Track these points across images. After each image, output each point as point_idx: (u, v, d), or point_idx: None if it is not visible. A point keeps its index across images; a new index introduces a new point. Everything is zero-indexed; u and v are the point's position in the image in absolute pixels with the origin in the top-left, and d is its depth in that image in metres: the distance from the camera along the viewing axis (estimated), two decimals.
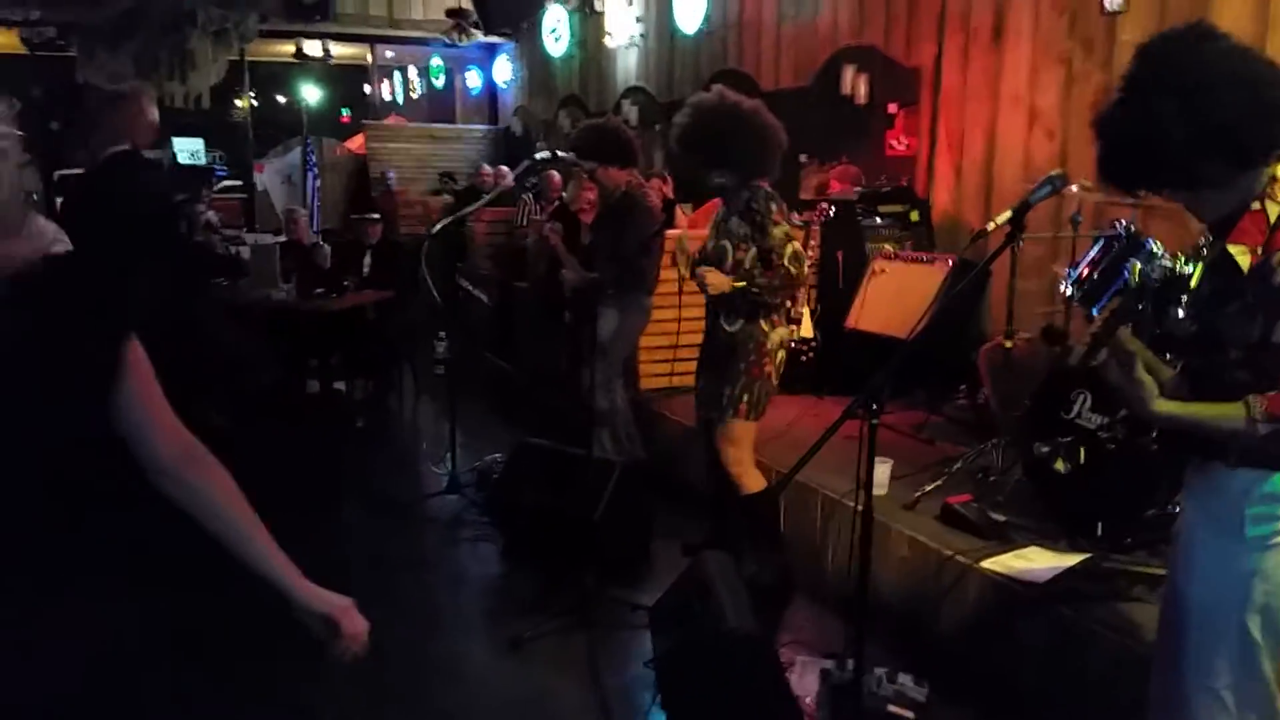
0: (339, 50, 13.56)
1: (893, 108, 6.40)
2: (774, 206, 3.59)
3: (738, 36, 8.13)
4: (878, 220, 5.87)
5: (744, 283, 3.53)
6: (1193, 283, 2.06)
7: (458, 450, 5.23)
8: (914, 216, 5.96)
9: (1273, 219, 1.83)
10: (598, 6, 10.00)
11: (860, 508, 2.40)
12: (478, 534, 4.65)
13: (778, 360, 3.72)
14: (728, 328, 3.69)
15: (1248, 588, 1.91)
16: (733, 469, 3.73)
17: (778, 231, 3.54)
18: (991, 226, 2.27)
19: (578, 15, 10.57)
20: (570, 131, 10.47)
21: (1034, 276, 5.04)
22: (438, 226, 5.80)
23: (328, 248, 7.12)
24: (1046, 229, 4.93)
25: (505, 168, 9.56)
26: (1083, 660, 2.91)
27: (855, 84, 6.59)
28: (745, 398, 3.64)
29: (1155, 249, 3.42)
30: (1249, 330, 1.81)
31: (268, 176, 13.19)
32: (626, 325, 4.83)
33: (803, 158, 6.96)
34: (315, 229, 10.29)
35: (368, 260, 6.99)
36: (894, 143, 6.45)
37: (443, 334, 6.45)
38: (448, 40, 12.06)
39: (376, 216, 7.34)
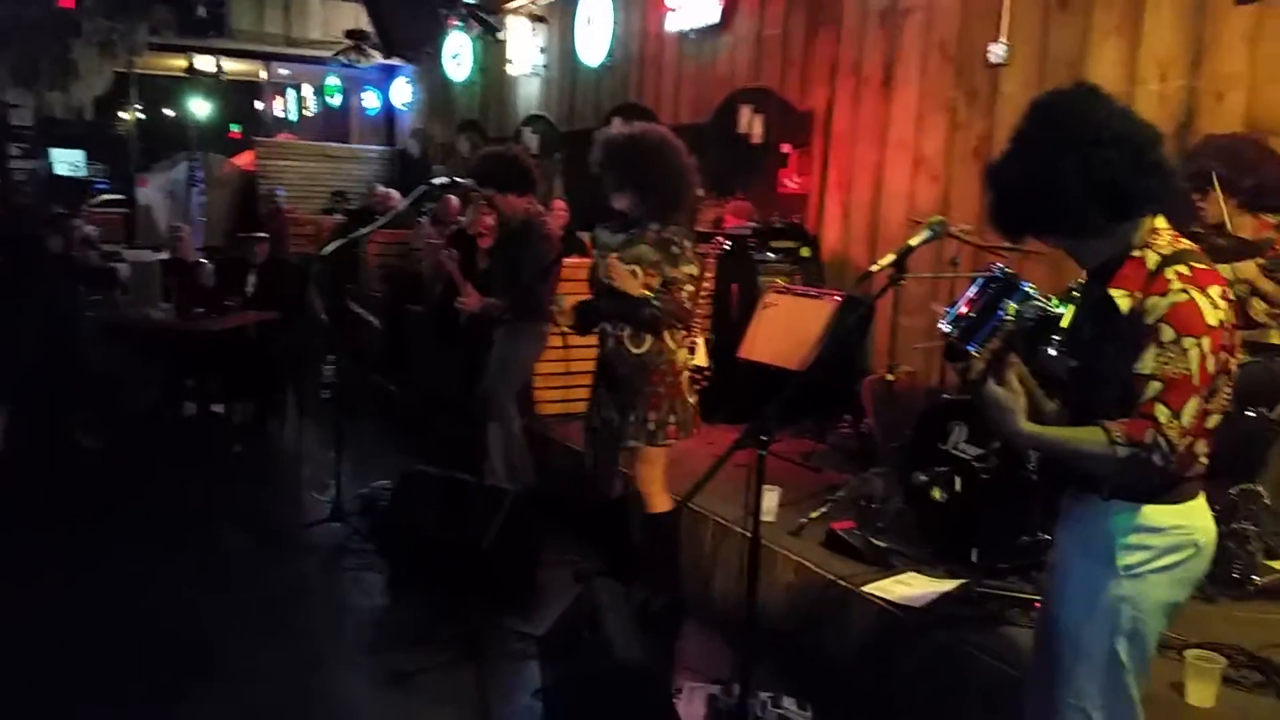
0: (232, 66, 13.25)
1: (786, 148, 6.60)
2: (689, 244, 3.63)
3: (639, 71, 8.26)
4: (770, 255, 6.03)
5: (650, 294, 3.53)
6: (1064, 322, 2.18)
7: (342, 477, 5.10)
8: (804, 252, 6.14)
9: (1151, 267, 1.94)
10: (500, 35, 10.02)
11: (749, 534, 2.43)
12: (362, 564, 4.52)
13: (687, 378, 3.76)
14: (635, 349, 3.65)
15: (1117, 614, 2.01)
16: (646, 488, 3.72)
17: (686, 269, 3.57)
18: (875, 268, 2.37)
19: (480, 42, 10.57)
20: (469, 156, 10.45)
21: (915, 313, 5.23)
22: (330, 248, 5.68)
23: (211, 266, 6.90)
24: (928, 269, 5.12)
25: (394, 191, 9.44)
26: (960, 683, 3.01)
27: (751, 123, 6.76)
28: (673, 420, 3.65)
29: (1029, 290, 3.59)
30: (1123, 367, 1.92)
31: (150, 191, 12.74)
32: (522, 352, 4.81)
33: (700, 192, 7.04)
34: (199, 246, 9.97)
35: (252, 280, 6.78)
36: (787, 181, 6.64)
37: (330, 357, 6.30)
38: (345, 60, 11.89)
39: (263, 235, 7.13)
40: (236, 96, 17.70)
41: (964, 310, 3.74)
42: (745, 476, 3.02)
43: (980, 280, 3.79)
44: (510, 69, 10.06)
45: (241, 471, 6.07)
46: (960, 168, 5.36)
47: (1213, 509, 3.41)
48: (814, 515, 3.99)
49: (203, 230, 12.10)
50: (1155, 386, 1.86)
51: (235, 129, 19.47)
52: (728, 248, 5.74)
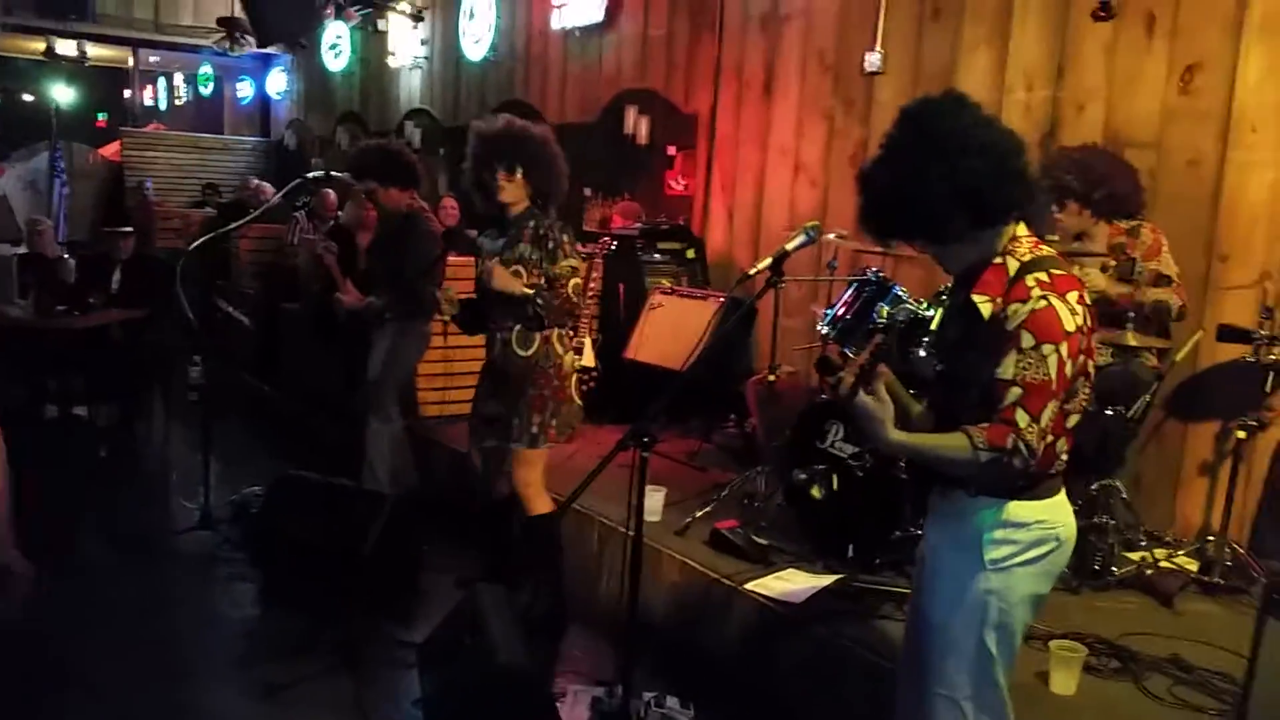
0: (97, 51, 12.58)
1: (672, 150, 6.65)
2: (566, 238, 3.60)
3: (524, 69, 8.19)
4: (657, 256, 6.06)
5: (533, 291, 3.49)
6: (933, 325, 2.24)
7: (212, 482, 4.90)
8: (690, 254, 6.19)
9: (1012, 273, 2.01)
10: (381, 25, 9.80)
11: (631, 533, 2.43)
12: (233, 573, 4.35)
13: (575, 380, 3.74)
14: (522, 351, 3.62)
15: (985, 606, 2.07)
16: (524, 490, 3.68)
17: (565, 264, 3.55)
18: (753, 271, 2.40)
19: (360, 32, 10.32)
20: (348, 149, 10.18)
21: (796, 315, 5.34)
22: (197, 242, 5.45)
23: (73, 261, 6.56)
24: (807, 272, 5.23)
25: (268, 184, 9.14)
26: (837, 676, 3.08)
27: (637, 125, 6.79)
28: (554, 422, 3.61)
29: (901, 294, 3.71)
30: (984, 372, 1.99)
31: (8, 182, 12.00)
32: (404, 351, 4.71)
33: (587, 192, 7.08)
34: (61, 240, 9.46)
35: (117, 276, 6.47)
36: (673, 183, 6.69)
37: (197, 357, 6.06)
38: (218, 49, 11.45)
39: (129, 229, 6.81)
40: (103, 83, 16.78)
41: (841, 313, 3.88)
42: (631, 477, 3.03)
43: (855, 283, 3.93)
44: (391, 61, 9.85)
45: (106, 477, 5.78)
46: (838, 174, 5.49)
47: (1074, 504, 3.60)
48: (699, 514, 4.02)
49: (65, 224, 11.49)
50: (1015, 392, 1.92)
51: (101, 118, 18.47)
52: (614, 248, 5.75)
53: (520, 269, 3.54)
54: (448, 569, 4.26)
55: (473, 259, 3.87)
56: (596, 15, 7.16)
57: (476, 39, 8.60)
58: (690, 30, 6.51)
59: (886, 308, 3.73)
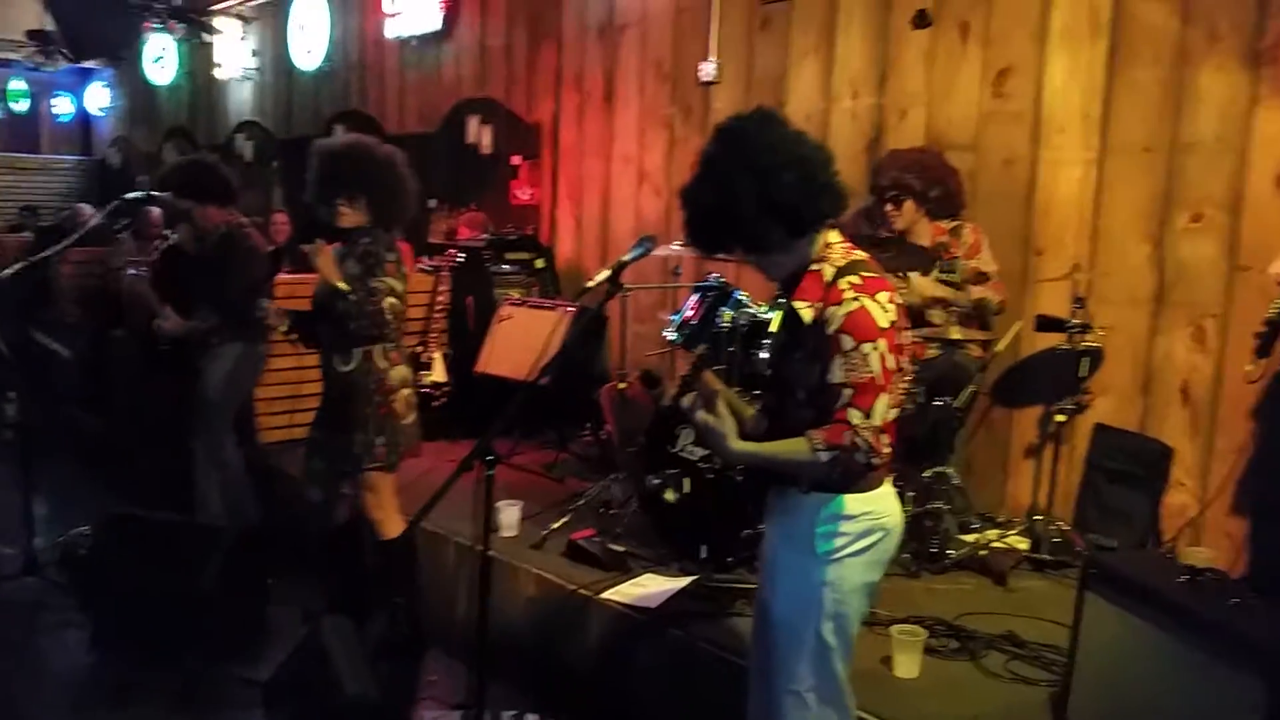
0: None
1: (516, 159, 6.61)
2: (391, 259, 3.50)
3: (360, 78, 8.00)
4: (505, 267, 6.01)
5: (347, 287, 3.38)
6: (772, 328, 2.31)
7: (35, 525, 4.57)
8: (539, 264, 6.16)
9: (828, 279, 2.10)
10: (207, 37, 9.39)
11: (481, 549, 2.39)
12: (61, 620, 4.07)
13: (404, 397, 3.60)
14: (342, 367, 3.48)
15: (821, 598, 2.15)
16: (374, 514, 3.57)
17: (384, 281, 3.45)
18: (591, 284, 2.41)
19: (185, 44, 9.86)
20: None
21: (647, 322, 5.40)
22: (10, 270, 5.08)
23: None
24: (657, 279, 5.29)
25: (86, 206, 8.63)
26: (693, 677, 3.11)
27: (480, 134, 6.72)
28: (380, 441, 3.50)
29: (742, 298, 3.81)
30: (811, 374, 2.07)
31: None
32: (237, 376, 4.51)
33: (432, 203, 6.95)
34: None
35: None
36: (519, 193, 6.65)
37: (11, 393, 5.65)
38: (30, 63, 10.73)
39: None
40: None
41: (686, 319, 3.94)
42: (479, 495, 2.96)
43: (699, 290, 4.00)
44: (219, 73, 9.46)
45: None
46: (681, 181, 5.43)
47: (910, 492, 3.77)
48: (555, 526, 4.00)
49: None
50: (846, 393, 2.01)
51: None
52: (462, 260, 5.68)
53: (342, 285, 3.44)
54: (294, 601, 4.09)
55: (309, 276, 3.74)
56: (433, 24, 7.05)
57: (309, 49, 8.36)
58: (529, 40, 6.50)
59: (729, 312, 3.82)
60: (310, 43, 8.34)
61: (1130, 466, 3.92)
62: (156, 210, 7.30)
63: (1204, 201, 3.74)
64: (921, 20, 4.50)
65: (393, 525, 3.57)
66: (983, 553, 3.76)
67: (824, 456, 2.00)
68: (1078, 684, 2.63)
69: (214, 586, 3.69)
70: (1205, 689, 2.25)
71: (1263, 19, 3.56)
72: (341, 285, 3.36)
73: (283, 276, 4.73)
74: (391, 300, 3.44)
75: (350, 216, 3.47)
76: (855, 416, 2.00)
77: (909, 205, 4.12)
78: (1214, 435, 3.75)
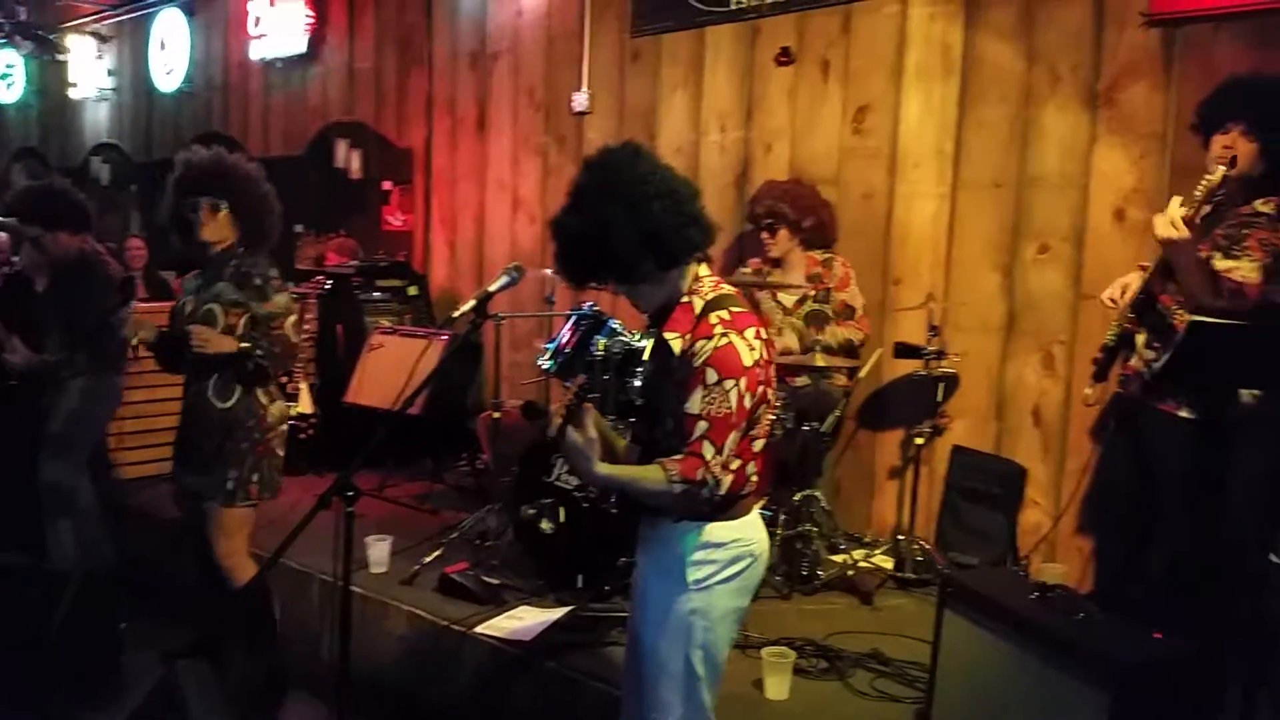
0: None
1: (388, 184, 6.51)
2: (274, 274, 3.39)
3: (224, 100, 7.77)
4: (376, 294, 5.90)
5: (249, 345, 3.26)
6: (645, 355, 2.33)
7: None
8: (413, 291, 6.07)
9: (698, 311, 2.14)
10: (60, 55, 8.95)
11: (361, 590, 2.32)
12: None
13: (281, 434, 3.49)
14: (221, 404, 3.35)
15: (690, 627, 2.17)
16: (226, 561, 3.41)
17: (280, 299, 3.34)
18: (457, 314, 2.40)
19: (35, 61, 9.38)
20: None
21: (523, 349, 5.38)
22: None
23: None
24: (530, 307, 5.28)
25: None
26: (568, 709, 3.09)
27: (349, 158, 6.59)
28: (255, 478, 3.35)
29: (616, 326, 3.81)
30: (680, 405, 2.10)
31: None
32: (90, 409, 4.28)
33: (299, 228, 6.80)
34: None
35: None
36: (391, 218, 6.55)
37: None
38: None
39: None
40: None
41: (560, 347, 3.93)
42: (360, 529, 2.87)
43: (573, 317, 4.00)
44: (74, 92, 9.04)
45: None
46: (555, 209, 5.55)
47: (781, 514, 3.85)
48: (428, 560, 3.93)
49: None
50: (703, 426, 2.05)
51: None
52: (330, 287, 5.54)
53: (215, 308, 3.29)
54: (153, 645, 3.89)
55: (165, 304, 3.59)
56: (298, 46, 6.91)
57: (169, 69, 8.07)
58: (399, 64, 6.43)
59: (604, 340, 3.82)
60: (170, 62, 8.04)
61: (987, 486, 4.10)
62: (2, 235, 6.90)
63: (1050, 234, 3.97)
64: (785, 58, 4.65)
65: (245, 570, 3.42)
66: (850, 573, 3.87)
67: (677, 489, 2.05)
68: (939, 700, 2.73)
69: (60, 633, 3.48)
70: (1056, 702, 2.36)
71: (1098, 62, 3.81)
72: (244, 346, 3.23)
73: (139, 305, 4.51)
74: (294, 317, 3.34)
75: (212, 228, 3.33)
76: (708, 451, 2.04)
77: (784, 233, 4.25)
78: (1064, 455, 3.96)
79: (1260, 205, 2.84)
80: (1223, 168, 2.82)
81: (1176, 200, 2.81)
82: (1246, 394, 2.82)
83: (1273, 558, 3.20)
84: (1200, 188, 2.83)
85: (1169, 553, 2.95)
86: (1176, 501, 2.93)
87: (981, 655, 2.58)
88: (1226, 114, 2.89)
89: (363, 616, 3.68)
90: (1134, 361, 3.05)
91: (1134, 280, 3.07)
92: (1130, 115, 3.74)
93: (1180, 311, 2.86)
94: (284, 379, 5.25)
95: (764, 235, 4.28)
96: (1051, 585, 2.60)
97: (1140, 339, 3.02)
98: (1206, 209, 2.93)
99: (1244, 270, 2.74)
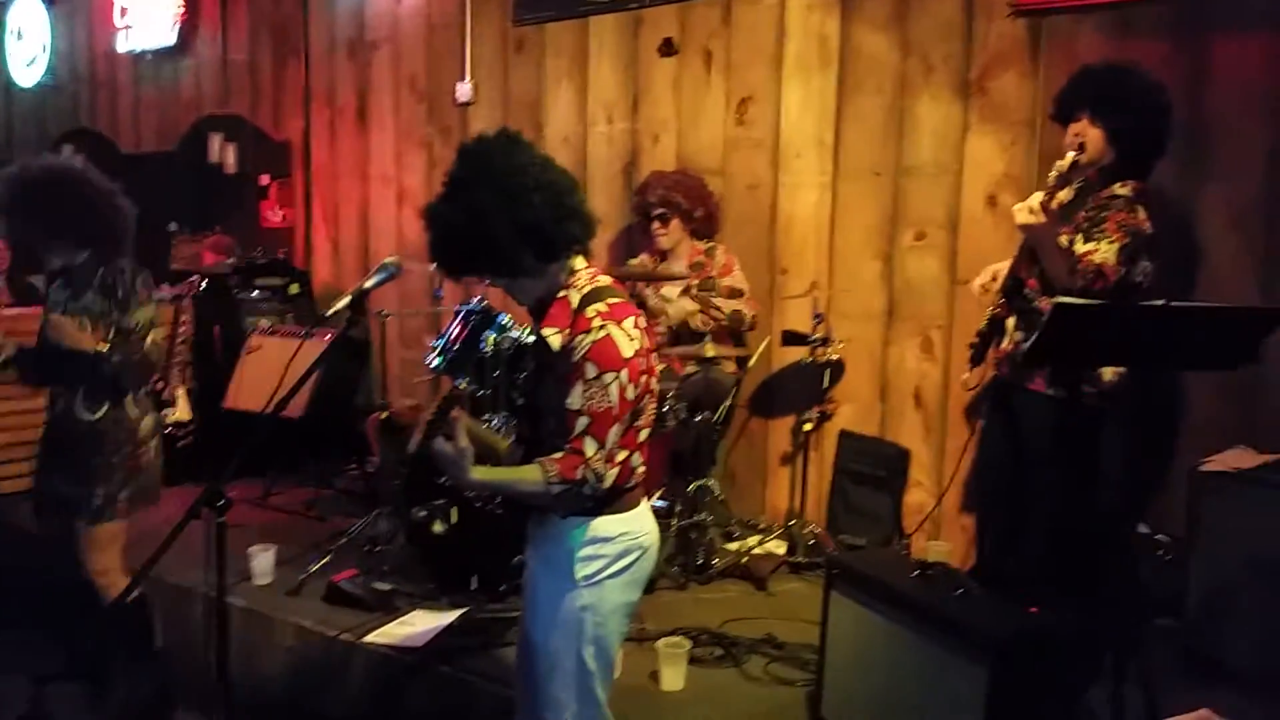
0: None
1: (265, 179, 6.30)
2: (140, 283, 3.23)
3: (90, 94, 7.40)
4: (255, 293, 5.69)
5: (106, 348, 3.10)
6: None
7: None
8: (294, 289, 5.88)
9: (575, 305, 2.11)
10: None
11: (217, 601, 2.23)
12: None
13: (154, 447, 3.34)
14: (88, 415, 3.18)
15: (581, 623, 2.15)
16: (99, 579, 3.25)
17: (142, 313, 3.18)
18: (331, 311, 2.31)
19: None
20: None
21: (413, 347, 5.27)
22: None
23: None
24: (419, 303, 5.18)
25: None
26: (464, 713, 3.05)
27: (224, 153, 6.36)
28: (124, 495, 3.20)
29: (506, 322, 3.78)
30: (561, 401, 2.07)
31: None
32: None
33: (172, 227, 6.54)
34: None
35: None
36: (270, 214, 6.34)
37: None
38: None
39: None
40: None
41: (449, 344, 3.86)
42: (239, 540, 2.74)
43: (461, 313, 3.93)
44: None
45: None
46: None
47: (675, 504, 3.86)
48: (314, 569, 3.82)
49: None
50: (583, 421, 2.03)
51: None
52: (205, 287, 5.33)
53: (85, 321, 3.13)
54: (22, 667, 3.70)
55: (34, 309, 3.38)
56: (168, 38, 6.63)
57: (28, 61, 7.64)
58: (274, 55, 6.22)
59: (493, 336, 3.77)
60: (30, 54, 7.62)
61: (873, 469, 4.19)
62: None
63: (926, 221, 4.07)
64: (668, 49, 4.65)
65: (119, 584, 3.27)
66: (745, 560, 3.91)
67: (555, 489, 2.02)
68: (829, 681, 2.77)
69: None
70: (938, 677, 2.42)
71: (969, 53, 3.92)
72: (100, 347, 3.06)
73: (6, 312, 4.26)
74: (157, 332, 3.19)
75: (63, 254, 3.18)
76: (590, 447, 2.02)
77: (676, 224, 4.27)
78: (945, 437, 4.07)
79: (1118, 188, 2.97)
80: (1073, 154, 2.94)
81: (1038, 193, 2.92)
82: (1110, 372, 2.95)
83: (1142, 528, 3.39)
84: (1052, 174, 2.95)
85: (1044, 528, 3.05)
86: (1049, 477, 3.03)
87: (868, 635, 2.63)
88: (1076, 103, 3.01)
89: (248, 630, 3.56)
90: (1005, 344, 3.15)
91: (1004, 267, 3.17)
92: (1000, 104, 3.86)
93: (1044, 297, 2.97)
94: (160, 385, 5.08)
95: (656, 226, 4.29)
96: (932, 563, 2.67)
97: (1011, 322, 3.12)
98: (1065, 194, 3.05)
99: (1103, 252, 2.85)
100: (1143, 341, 2.33)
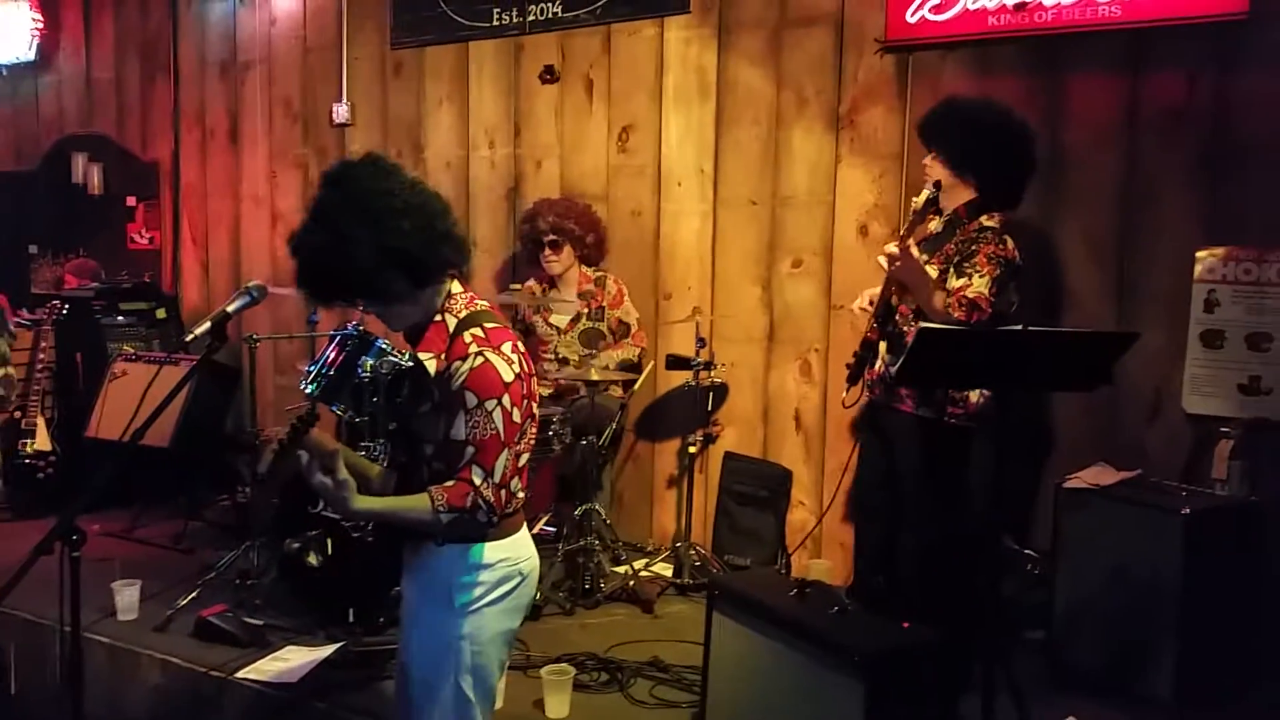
0: None
1: (132, 200, 6.07)
2: None
3: None
4: (120, 318, 5.46)
5: None
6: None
7: None
8: (161, 314, 5.66)
9: (451, 330, 2.08)
10: None
11: (70, 638, 2.11)
12: None
13: None
14: None
15: (460, 652, 2.10)
16: None
17: None
18: (190, 337, 2.23)
19: None
20: None
21: (288, 373, 5.14)
22: None
23: None
24: (294, 328, 5.04)
25: None
26: None
27: (88, 173, 6.11)
28: None
29: (384, 346, 3.70)
30: (438, 428, 2.04)
31: None
32: None
33: (32, 249, 6.24)
34: None
35: None
36: (136, 236, 6.10)
37: None
38: None
39: None
40: None
41: (324, 369, 3.75)
42: (107, 574, 2.54)
43: (337, 338, 3.83)
44: None
45: None
46: None
47: (561, 529, 3.84)
48: (182, 603, 3.65)
49: None
50: (469, 451, 1.99)
51: None
52: (67, 312, 5.07)
53: None
54: None
55: None
56: (25, 54, 6.34)
57: None
58: (142, 73, 6.01)
59: (371, 361, 3.69)
60: None
61: (756, 489, 4.26)
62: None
63: (803, 249, 4.18)
64: (549, 76, 4.68)
65: None
66: (631, 583, 3.91)
67: (444, 518, 1.98)
68: (712, 702, 2.80)
69: None
70: (817, 693, 2.46)
71: (840, 87, 4.06)
72: None
73: None
74: (6, 372, 3.01)
75: None
76: (478, 476, 1.99)
77: (567, 250, 4.29)
78: (824, 457, 4.17)
79: (985, 220, 3.09)
80: (928, 190, 3.07)
81: (893, 242, 3.04)
82: (975, 394, 3.07)
83: (1010, 544, 3.53)
84: (910, 211, 3.08)
85: (916, 544, 3.15)
86: (920, 495, 3.14)
87: (749, 654, 2.67)
88: (926, 140, 3.16)
89: (112, 667, 3.39)
90: (878, 366, 3.25)
91: (878, 292, 3.28)
92: (869, 136, 4.00)
93: (913, 323, 3.07)
94: (17, 414, 4.80)
95: (547, 252, 4.28)
96: (809, 582, 2.73)
97: (883, 345, 3.23)
98: (935, 224, 3.18)
99: (976, 286, 2.95)
100: (1003, 364, 2.43)
